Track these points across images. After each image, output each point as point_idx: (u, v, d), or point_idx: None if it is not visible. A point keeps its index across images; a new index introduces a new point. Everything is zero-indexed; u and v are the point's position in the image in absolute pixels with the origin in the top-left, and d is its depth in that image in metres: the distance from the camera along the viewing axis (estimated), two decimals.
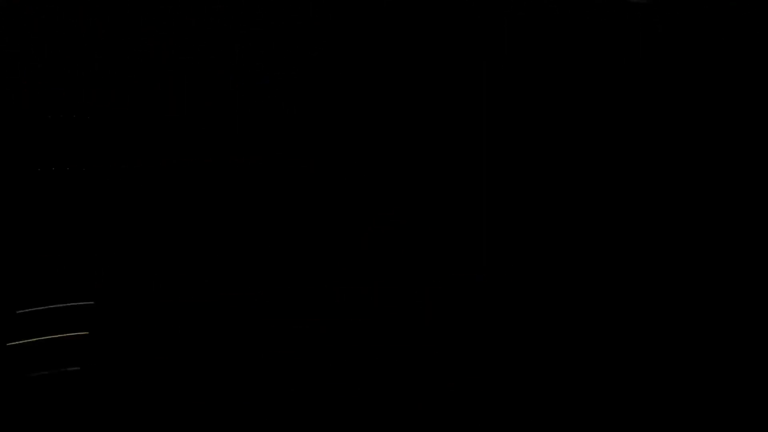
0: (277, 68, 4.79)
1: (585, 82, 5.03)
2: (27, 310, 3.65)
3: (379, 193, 4.42)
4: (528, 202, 4.55)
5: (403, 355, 3.63)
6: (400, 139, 4.69)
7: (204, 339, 3.67)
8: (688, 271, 4.05)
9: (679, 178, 4.63)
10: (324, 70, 4.89)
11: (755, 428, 3.35)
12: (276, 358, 3.60)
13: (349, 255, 4.08)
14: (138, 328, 3.69)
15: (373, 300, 3.87)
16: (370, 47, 4.90)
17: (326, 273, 3.98)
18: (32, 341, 3.59)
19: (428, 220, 4.33)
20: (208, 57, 4.70)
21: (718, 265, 4.14)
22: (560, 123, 4.76)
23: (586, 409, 3.40)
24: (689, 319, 3.83)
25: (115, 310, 3.75)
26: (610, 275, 4.04)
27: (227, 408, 3.39)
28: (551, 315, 3.83)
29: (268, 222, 4.28)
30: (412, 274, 4.00)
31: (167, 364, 3.57)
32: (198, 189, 4.33)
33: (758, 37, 4.74)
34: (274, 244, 4.16)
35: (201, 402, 3.40)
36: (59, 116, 4.58)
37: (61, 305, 3.71)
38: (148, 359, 3.58)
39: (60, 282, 3.91)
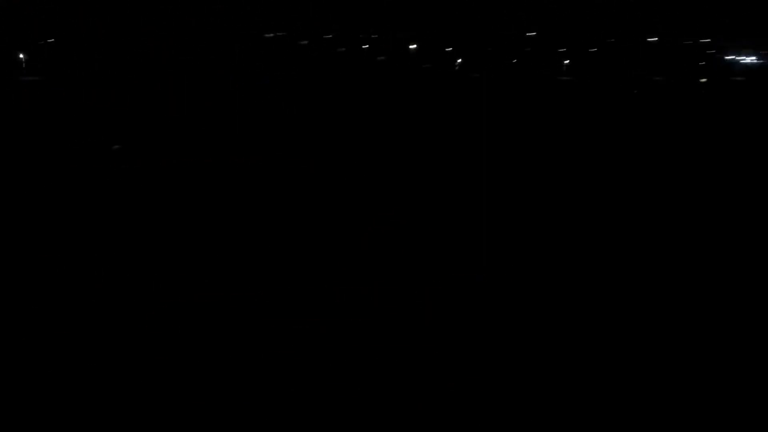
0: (277, 68, 4.77)
1: (584, 87, 5.01)
2: None
3: (379, 193, 4.42)
4: (528, 203, 4.53)
5: (403, 355, 3.62)
6: (400, 140, 4.69)
7: (203, 339, 3.65)
8: (678, 274, 4.05)
9: (675, 183, 4.63)
10: (324, 70, 4.87)
11: (755, 428, 3.34)
12: (276, 358, 3.59)
13: (349, 255, 4.07)
14: (137, 328, 3.68)
15: (373, 300, 3.86)
16: (371, 48, 4.88)
17: (326, 273, 3.97)
18: None
19: (428, 221, 4.33)
20: (208, 57, 4.69)
21: (709, 266, 4.13)
22: (559, 127, 4.75)
23: (584, 408, 3.39)
24: (684, 320, 3.83)
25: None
26: (609, 276, 4.03)
27: (227, 407, 3.37)
28: (550, 315, 3.82)
29: (268, 222, 4.27)
30: (412, 274, 3.99)
31: (166, 364, 3.55)
32: (198, 189, 4.32)
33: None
34: (274, 245, 4.15)
35: (201, 401, 3.38)
36: (59, 116, 4.57)
37: None
38: (147, 359, 3.57)
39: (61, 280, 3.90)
